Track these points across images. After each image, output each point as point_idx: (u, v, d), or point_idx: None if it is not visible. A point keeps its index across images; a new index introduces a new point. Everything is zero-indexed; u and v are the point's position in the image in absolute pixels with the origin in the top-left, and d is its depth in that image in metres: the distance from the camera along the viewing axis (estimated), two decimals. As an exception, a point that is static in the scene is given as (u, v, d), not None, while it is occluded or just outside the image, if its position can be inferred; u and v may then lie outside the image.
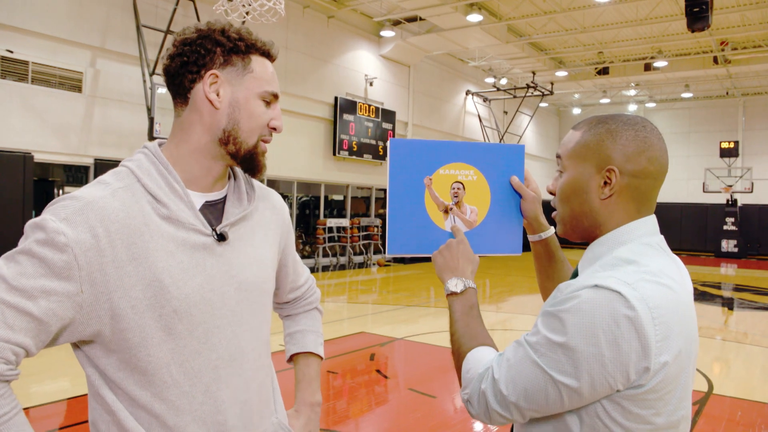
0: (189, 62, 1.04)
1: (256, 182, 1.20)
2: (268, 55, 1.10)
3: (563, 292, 0.89)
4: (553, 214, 1.07)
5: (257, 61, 1.08)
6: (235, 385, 1.06)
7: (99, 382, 1.00)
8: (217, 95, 1.04)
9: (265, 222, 1.18)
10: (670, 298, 0.87)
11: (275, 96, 1.09)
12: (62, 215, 0.92)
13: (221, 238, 1.05)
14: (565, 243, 1.21)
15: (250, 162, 1.08)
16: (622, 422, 0.86)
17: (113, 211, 0.95)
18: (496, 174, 1.22)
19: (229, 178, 1.15)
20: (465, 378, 0.98)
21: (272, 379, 1.22)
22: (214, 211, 1.09)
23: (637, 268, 0.89)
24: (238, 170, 1.16)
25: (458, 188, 1.20)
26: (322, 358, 1.38)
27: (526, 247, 1.30)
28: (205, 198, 1.08)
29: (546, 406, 0.87)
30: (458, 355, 1.03)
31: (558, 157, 1.04)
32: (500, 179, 1.22)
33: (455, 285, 1.12)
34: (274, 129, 1.10)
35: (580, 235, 1.03)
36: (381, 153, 15.27)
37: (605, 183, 0.97)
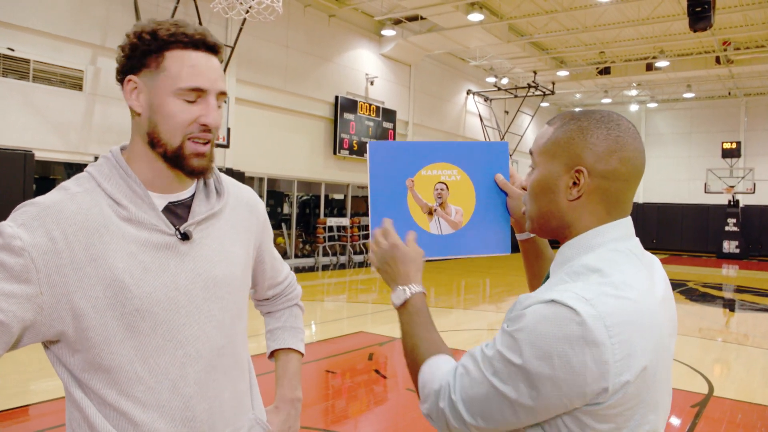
0: (119, 70, 1.05)
1: (228, 179, 1.20)
2: (196, 45, 1.03)
3: (521, 305, 0.86)
4: (522, 209, 1.04)
5: (175, 57, 1.02)
6: (204, 381, 1.06)
7: (69, 381, 1.02)
8: (138, 100, 1.04)
9: (237, 219, 1.17)
10: (632, 312, 0.82)
11: (200, 90, 1.02)
12: (20, 221, 0.95)
13: (185, 237, 1.05)
14: (554, 243, 1.18)
15: (177, 162, 1.05)
16: None
17: (70, 214, 0.97)
18: (480, 172, 1.20)
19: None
20: (422, 393, 0.96)
21: (249, 376, 1.21)
22: (181, 210, 1.09)
23: (600, 278, 0.85)
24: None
25: (441, 189, 1.18)
26: (302, 354, 1.38)
27: (516, 247, 1.29)
28: (168, 199, 1.09)
29: (503, 423, 0.87)
30: (412, 368, 1.00)
31: (531, 153, 1.01)
32: (485, 178, 1.20)
33: (397, 297, 1.06)
34: (205, 126, 1.04)
35: (550, 234, 1.00)
36: (382, 152, 15.24)
37: (574, 183, 0.92)
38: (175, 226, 1.06)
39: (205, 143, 1.05)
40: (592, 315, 0.79)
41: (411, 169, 1.17)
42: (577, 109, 0.99)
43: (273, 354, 1.37)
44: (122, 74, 1.05)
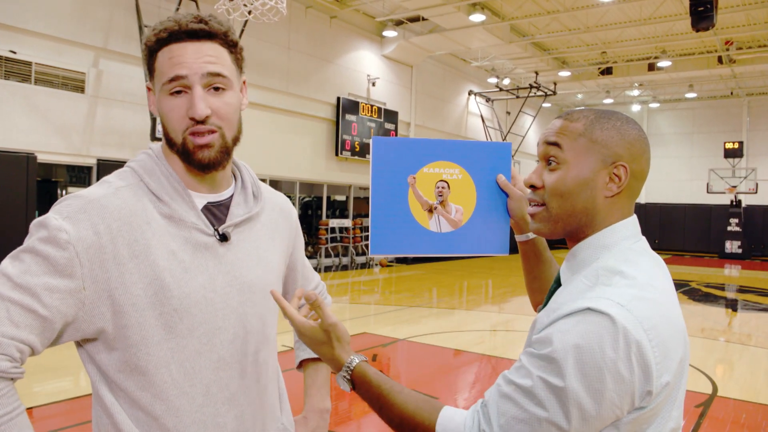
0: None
1: (263, 185, 1.19)
2: (178, 37, 0.97)
3: (543, 323, 0.83)
4: (532, 209, 0.99)
5: (162, 54, 0.99)
6: (237, 388, 1.05)
7: (100, 383, 1.00)
8: (153, 105, 1.04)
9: (273, 225, 1.16)
10: (662, 313, 0.82)
11: (179, 78, 0.96)
12: (65, 213, 0.93)
13: (223, 238, 1.04)
14: (553, 244, 1.18)
15: (187, 159, 1.02)
16: None
17: (115, 209, 0.96)
18: (482, 172, 1.20)
19: (236, 179, 1.14)
20: None
21: (278, 384, 1.20)
22: (218, 212, 1.08)
23: (624, 280, 0.84)
24: (245, 172, 1.16)
25: (443, 187, 1.18)
26: None
27: (514, 249, 1.28)
28: (207, 199, 1.07)
29: None
30: (413, 428, 0.90)
31: (554, 144, 0.95)
32: (486, 178, 1.20)
33: (343, 384, 0.98)
34: (192, 118, 0.97)
35: (567, 233, 0.96)
36: (383, 153, 15.24)
37: (610, 179, 0.92)
38: (213, 226, 1.04)
39: (210, 133, 0.99)
40: (631, 321, 0.78)
41: (413, 166, 1.17)
42: (580, 108, 0.98)
43: (302, 364, 1.35)
44: (148, 80, 1.05)
